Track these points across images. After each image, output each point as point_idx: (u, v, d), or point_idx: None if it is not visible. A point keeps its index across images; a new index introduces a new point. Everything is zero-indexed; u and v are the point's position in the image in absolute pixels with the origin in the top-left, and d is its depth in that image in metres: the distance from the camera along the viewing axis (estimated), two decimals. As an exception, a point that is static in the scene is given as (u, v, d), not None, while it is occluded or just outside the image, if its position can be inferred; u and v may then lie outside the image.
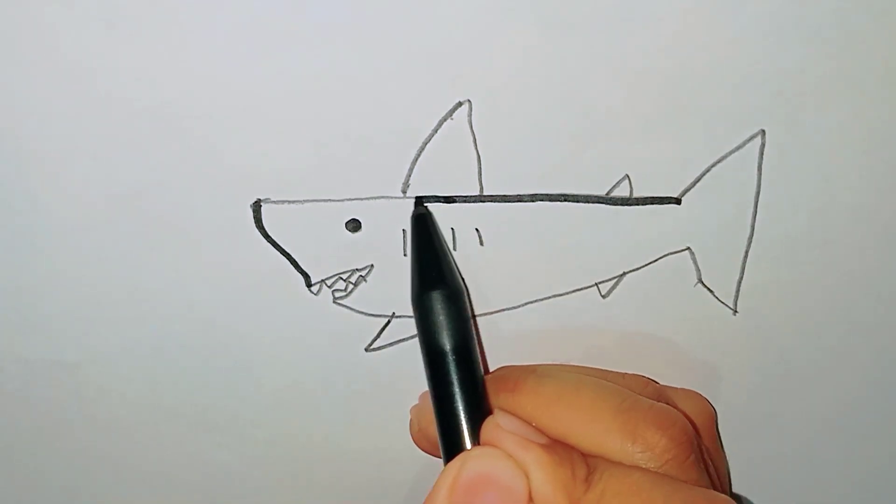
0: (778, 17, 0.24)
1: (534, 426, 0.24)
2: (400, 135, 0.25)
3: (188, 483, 0.32)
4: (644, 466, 0.23)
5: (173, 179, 0.25)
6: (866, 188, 0.27)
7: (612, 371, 0.29)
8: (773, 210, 0.27)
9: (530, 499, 0.22)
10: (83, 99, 0.24)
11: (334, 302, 0.28)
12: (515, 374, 0.26)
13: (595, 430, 0.24)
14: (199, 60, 0.23)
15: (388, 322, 0.29)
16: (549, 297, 0.28)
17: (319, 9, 0.23)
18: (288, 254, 0.27)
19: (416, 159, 0.25)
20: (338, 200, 0.26)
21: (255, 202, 0.26)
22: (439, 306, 0.25)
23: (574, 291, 0.28)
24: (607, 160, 0.26)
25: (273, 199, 0.26)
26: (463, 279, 0.27)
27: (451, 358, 0.25)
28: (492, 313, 0.28)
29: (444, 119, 0.25)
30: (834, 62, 0.25)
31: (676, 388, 0.30)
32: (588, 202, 0.26)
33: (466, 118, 0.25)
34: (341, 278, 0.28)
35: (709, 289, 0.28)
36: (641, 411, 0.24)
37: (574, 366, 0.29)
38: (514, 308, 0.28)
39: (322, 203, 0.26)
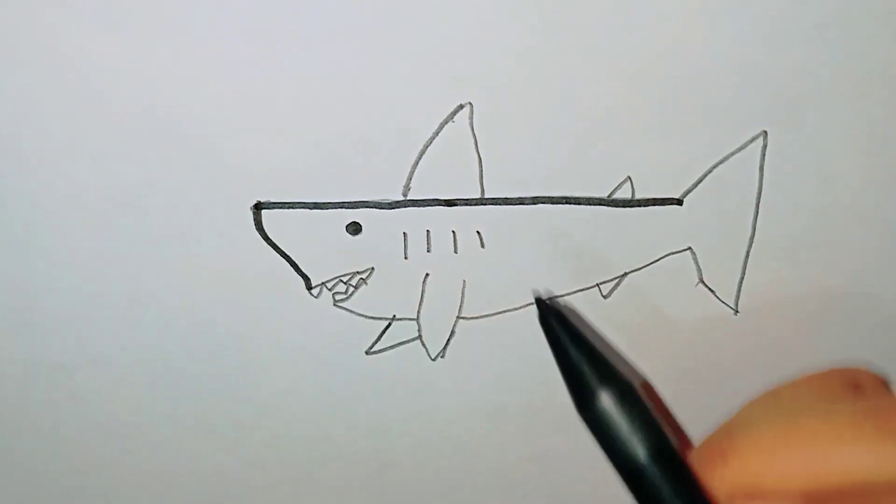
0: (779, 18, 0.24)
1: (772, 484, 0.20)
2: (401, 137, 0.25)
3: (188, 486, 0.32)
4: None
5: (174, 181, 0.25)
6: (867, 189, 0.27)
7: (801, 378, 0.24)
8: (775, 211, 0.27)
9: None
10: (84, 99, 0.24)
11: (335, 305, 0.28)
12: (715, 441, 0.21)
13: (845, 454, 0.19)
14: (200, 61, 0.23)
15: (389, 325, 0.29)
16: (551, 298, 0.28)
17: (321, 11, 0.23)
18: (288, 256, 0.27)
19: (417, 162, 0.25)
20: (338, 203, 0.26)
21: (256, 205, 0.26)
22: (618, 411, 0.20)
23: (576, 292, 0.28)
24: (609, 162, 0.26)
25: (273, 201, 0.26)
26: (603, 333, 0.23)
27: (652, 470, 0.20)
28: (494, 315, 0.28)
29: (446, 121, 0.25)
30: (836, 63, 0.25)
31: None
32: (590, 204, 0.26)
33: (468, 120, 0.25)
34: (342, 281, 0.27)
35: (710, 289, 0.28)
36: (883, 407, 0.20)
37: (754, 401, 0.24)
38: (516, 309, 0.28)
39: (323, 205, 0.26)
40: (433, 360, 0.29)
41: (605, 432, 0.20)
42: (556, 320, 0.22)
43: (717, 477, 0.21)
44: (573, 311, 0.22)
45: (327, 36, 0.23)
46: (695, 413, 0.30)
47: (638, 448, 0.20)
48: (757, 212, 0.27)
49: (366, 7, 0.23)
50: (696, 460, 0.21)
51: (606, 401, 0.20)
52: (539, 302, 0.22)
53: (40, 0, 0.22)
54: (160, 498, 0.33)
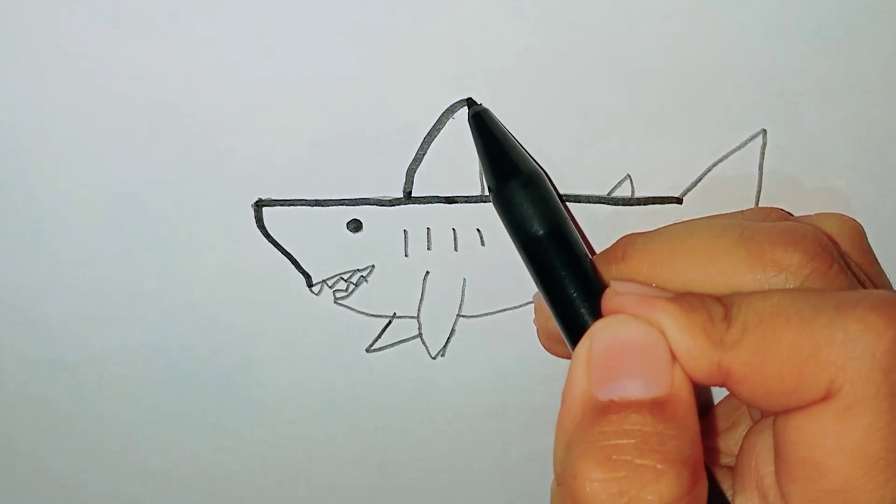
0: (779, 17, 0.24)
1: (655, 286, 0.22)
2: (401, 134, 0.25)
3: (188, 484, 0.32)
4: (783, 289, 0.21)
5: (174, 179, 0.25)
6: (866, 188, 0.27)
7: (725, 213, 0.26)
8: (774, 209, 0.27)
9: (673, 356, 0.20)
10: (85, 98, 0.24)
11: (335, 302, 0.28)
12: (621, 243, 0.24)
13: (719, 269, 0.21)
14: (200, 60, 0.23)
15: (389, 322, 0.29)
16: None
17: (321, 9, 0.23)
18: (289, 254, 0.27)
19: (417, 159, 0.25)
20: (339, 200, 0.26)
21: (257, 202, 0.26)
22: (521, 195, 0.23)
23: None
24: (609, 160, 0.26)
25: (274, 198, 0.26)
26: (540, 167, 0.25)
27: (547, 242, 0.23)
28: (494, 313, 0.28)
29: (446, 118, 0.25)
30: (835, 61, 0.25)
31: (811, 214, 0.27)
32: (590, 202, 0.26)
33: (468, 118, 0.25)
34: (342, 278, 0.28)
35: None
36: (765, 234, 0.22)
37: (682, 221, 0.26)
38: (516, 308, 0.28)
39: (323, 203, 0.26)
40: (433, 358, 0.29)
41: (514, 211, 0.23)
42: (486, 119, 0.24)
43: (612, 271, 0.23)
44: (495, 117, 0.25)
45: (328, 33, 0.23)
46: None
47: (537, 225, 0.23)
48: (756, 210, 0.27)
49: (367, 4, 0.23)
50: (599, 258, 0.24)
51: (516, 184, 0.23)
52: (470, 101, 0.24)
53: (44, -2, 0.23)
54: (160, 496, 0.33)
